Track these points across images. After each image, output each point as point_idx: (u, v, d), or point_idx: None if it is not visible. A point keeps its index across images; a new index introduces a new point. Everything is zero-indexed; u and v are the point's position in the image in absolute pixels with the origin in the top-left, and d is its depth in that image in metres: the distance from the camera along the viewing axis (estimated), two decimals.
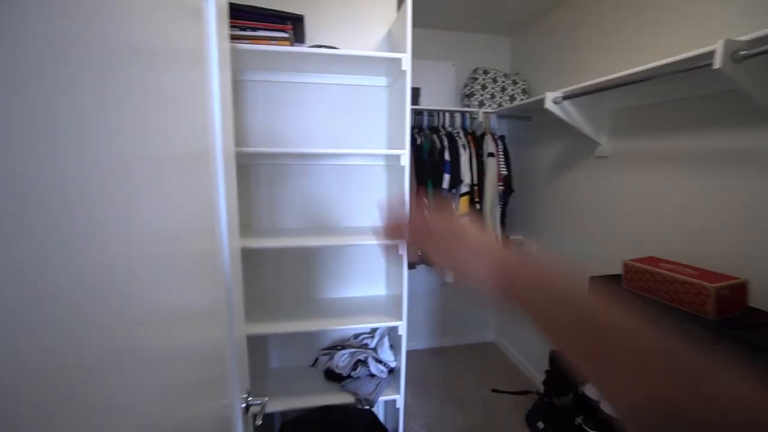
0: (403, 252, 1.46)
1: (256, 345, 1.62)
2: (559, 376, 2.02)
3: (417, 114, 2.36)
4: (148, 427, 0.49)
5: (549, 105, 1.77)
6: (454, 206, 2.23)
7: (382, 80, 1.62)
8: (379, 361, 1.49)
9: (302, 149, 1.36)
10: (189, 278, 0.64)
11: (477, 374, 2.57)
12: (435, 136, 2.25)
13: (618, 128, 1.79)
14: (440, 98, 2.64)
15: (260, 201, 1.60)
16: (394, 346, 1.54)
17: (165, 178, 0.54)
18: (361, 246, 1.67)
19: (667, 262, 1.40)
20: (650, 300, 1.30)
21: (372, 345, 1.56)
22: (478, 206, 2.25)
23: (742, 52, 1.00)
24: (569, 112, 1.81)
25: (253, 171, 1.58)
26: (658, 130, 1.57)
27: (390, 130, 1.61)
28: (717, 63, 1.03)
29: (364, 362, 1.48)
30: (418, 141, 2.22)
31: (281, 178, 1.61)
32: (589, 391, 1.54)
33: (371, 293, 1.70)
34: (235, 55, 1.27)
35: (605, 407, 1.46)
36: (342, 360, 1.51)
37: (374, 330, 1.61)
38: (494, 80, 2.48)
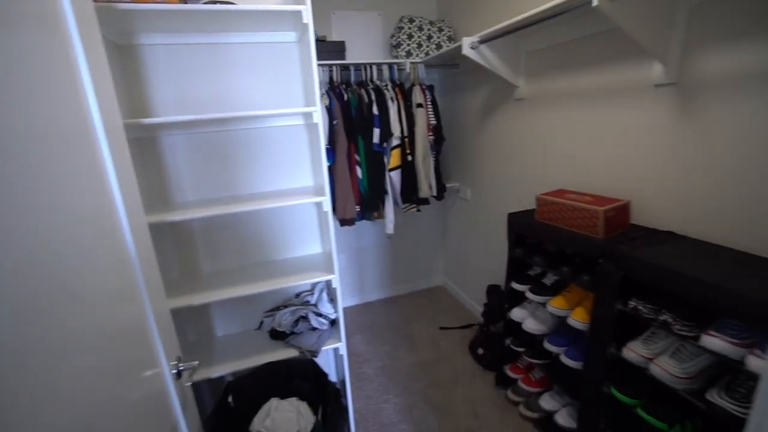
0: (328, 209, 1.48)
1: (198, 315, 1.63)
2: (494, 306, 2.23)
3: (344, 69, 2.29)
4: (77, 407, 0.52)
5: (466, 50, 1.79)
6: (385, 160, 2.26)
7: (291, 36, 1.54)
8: (320, 315, 1.56)
9: (217, 114, 1.30)
10: (86, 259, 0.64)
11: (426, 316, 2.76)
12: (363, 91, 2.22)
13: (532, 70, 1.85)
14: (368, 51, 2.57)
15: (181, 173, 1.54)
16: (333, 299, 1.62)
17: (31, 159, 0.52)
18: (292, 207, 1.68)
19: (572, 192, 1.54)
20: (557, 228, 1.44)
21: (313, 301, 1.62)
22: (410, 158, 2.30)
23: None
24: (487, 57, 1.84)
25: (169, 142, 1.50)
26: (563, 69, 1.65)
27: (305, 88, 1.57)
28: (595, 1, 1.08)
29: (305, 317, 1.55)
30: (345, 97, 2.18)
31: (202, 147, 1.54)
32: (514, 315, 1.72)
33: (307, 252, 1.74)
34: (118, 16, 1.16)
35: (526, 327, 1.65)
36: (284, 318, 1.56)
37: (314, 287, 1.67)
38: (420, 28, 2.44)
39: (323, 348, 1.51)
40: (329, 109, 2.09)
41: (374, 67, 2.28)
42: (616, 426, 1.28)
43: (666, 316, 1.04)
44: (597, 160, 1.55)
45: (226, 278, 1.51)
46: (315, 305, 1.62)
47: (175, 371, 0.95)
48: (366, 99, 2.18)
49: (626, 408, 1.21)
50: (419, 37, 2.42)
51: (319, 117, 1.35)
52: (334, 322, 1.63)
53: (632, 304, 1.13)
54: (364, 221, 2.51)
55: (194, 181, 1.55)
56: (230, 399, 1.33)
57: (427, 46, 2.44)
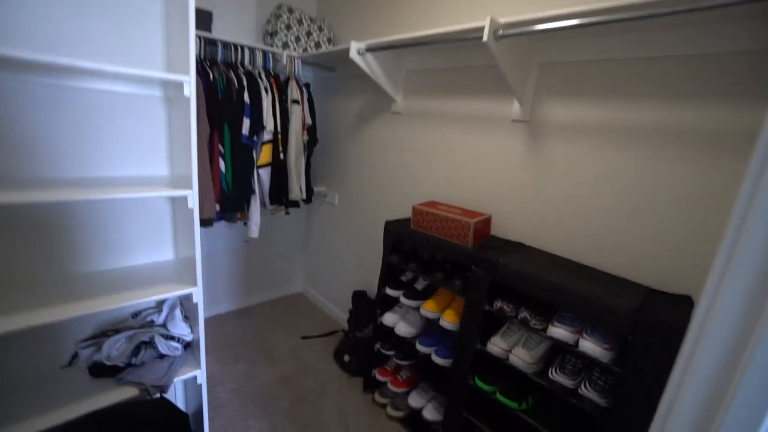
0: (194, 206, 1.20)
1: None
2: (360, 312, 2.25)
3: (210, 43, 1.94)
4: None
5: (353, 55, 1.77)
6: (254, 155, 2.02)
7: None
8: (171, 338, 1.24)
9: (24, 54, 0.86)
10: None
11: (286, 326, 2.58)
12: (232, 74, 1.93)
13: (410, 87, 1.98)
14: (238, 30, 2.26)
15: None
16: (190, 317, 1.32)
17: None
18: (135, 201, 1.30)
19: (443, 204, 1.70)
20: (431, 236, 1.55)
21: (159, 321, 1.28)
22: (282, 156, 2.12)
23: (500, 32, 1.23)
24: (372, 67, 1.87)
25: None
26: (438, 92, 1.83)
27: (169, 50, 1.25)
28: (485, 37, 1.23)
29: (149, 343, 1.20)
30: (212, 76, 1.85)
31: None
32: (386, 320, 1.77)
33: (155, 259, 1.37)
34: None
35: (398, 331, 1.71)
36: (116, 348, 1.18)
37: (161, 303, 1.32)
38: (300, 22, 2.30)
39: (176, 379, 1.20)
40: None
41: (247, 51, 2.02)
42: (476, 412, 1.45)
43: (525, 313, 1.24)
44: (464, 177, 1.76)
45: (22, 296, 1.03)
46: (163, 325, 1.28)
47: None
48: (236, 84, 1.91)
49: (485, 395, 1.39)
50: (298, 30, 2.28)
51: (192, 90, 1.09)
52: (188, 345, 1.33)
53: (498, 304, 1.31)
54: (221, 222, 2.18)
55: None
56: None
57: (306, 42, 2.32)
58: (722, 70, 1.05)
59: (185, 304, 1.36)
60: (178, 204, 1.34)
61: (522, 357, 1.25)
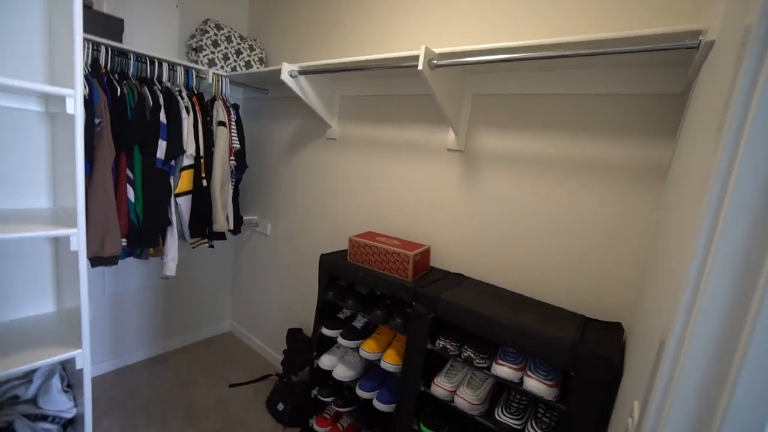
0: (79, 247, 0.98)
1: None
2: (295, 352, 2.06)
3: (119, 54, 1.72)
4: None
5: (285, 77, 1.67)
6: (171, 182, 1.79)
7: None
8: (42, 418, 0.97)
9: None
10: None
11: (211, 373, 2.28)
12: (146, 90, 1.71)
13: (345, 113, 1.91)
14: (156, 43, 2.04)
15: None
16: (74, 385, 1.06)
17: None
18: (6, 242, 1.04)
19: (381, 235, 1.62)
20: (369, 270, 1.45)
21: (27, 395, 1.01)
22: (204, 183, 1.91)
23: (435, 61, 1.22)
24: (305, 90, 1.78)
25: None
26: (377, 119, 1.78)
27: (52, 59, 1.04)
28: (420, 65, 1.20)
29: (6, 430, 0.93)
30: (119, 91, 1.62)
31: None
32: (324, 363, 1.61)
33: (29, 313, 1.10)
34: None
35: (337, 375, 1.56)
36: None
37: (31, 372, 1.05)
38: (228, 39, 2.16)
39: None
40: (88, 102, 1.48)
41: (166, 65, 1.82)
42: None
43: (468, 352, 1.17)
44: (402, 206, 1.70)
45: None
46: (33, 401, 1.01)
47: None
48: (150, 102, 1.69)
49: None
50: (227, 48, 2.13)
51: (77, 107, 0.90)
52: (70, 423, 1.06)
53: (441, 343, 1.23)
54: (129, 258, 1.88)
55: None
56: None
57: (235, 61, 2.17)
58: (635, 109, 1.12)
59: (69, 369, 1.10)
60: (61, 244, 1.10)
61: (467, 398, 1.18)
